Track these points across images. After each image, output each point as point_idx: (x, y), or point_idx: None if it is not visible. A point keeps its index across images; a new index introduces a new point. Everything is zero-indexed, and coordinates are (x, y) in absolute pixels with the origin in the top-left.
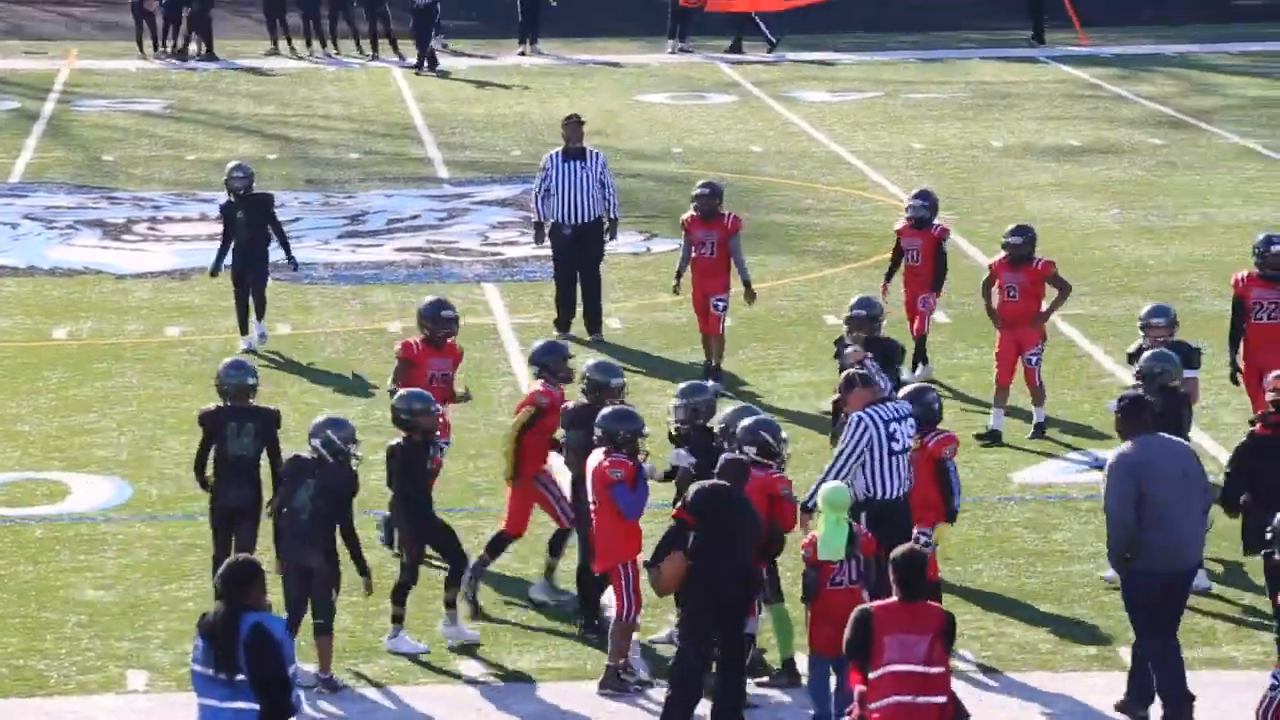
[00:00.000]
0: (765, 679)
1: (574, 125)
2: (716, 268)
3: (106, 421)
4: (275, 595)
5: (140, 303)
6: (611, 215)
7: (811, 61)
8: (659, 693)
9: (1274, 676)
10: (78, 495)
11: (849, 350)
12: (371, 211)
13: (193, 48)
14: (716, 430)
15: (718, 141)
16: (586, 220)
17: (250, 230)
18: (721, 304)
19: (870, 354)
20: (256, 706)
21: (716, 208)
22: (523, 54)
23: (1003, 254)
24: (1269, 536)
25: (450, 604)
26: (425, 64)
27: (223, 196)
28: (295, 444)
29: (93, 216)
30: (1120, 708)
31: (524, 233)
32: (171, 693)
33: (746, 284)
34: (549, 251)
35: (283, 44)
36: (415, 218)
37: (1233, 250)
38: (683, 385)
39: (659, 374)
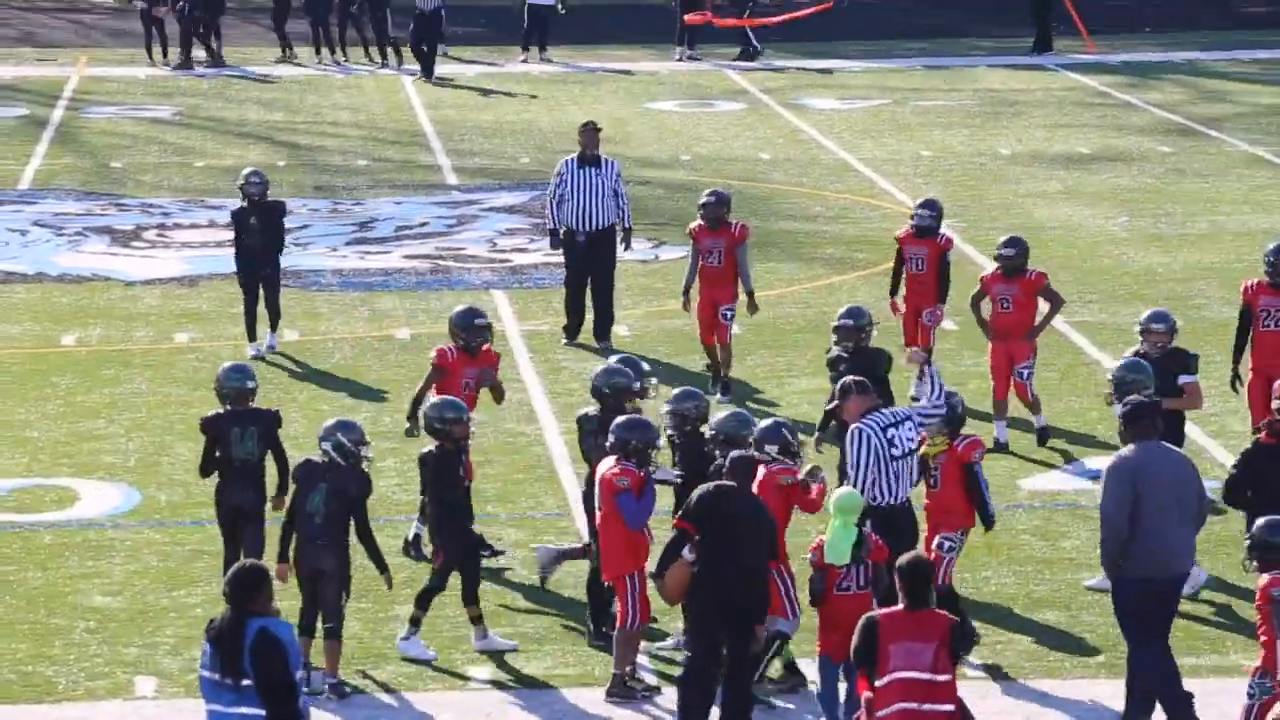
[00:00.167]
0: (777, 680)
1: (591, 132)
2: (724, 277)
3: (115, 428)
4: (288, 601)
5: (149, 309)
6: (625, 224)
7: (820, 69)
8: (666, 699)
9: (1250, 685)
10: (86, 501)
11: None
12: (380, 218)
13: (200, 54)
14: (708, 435)
15: (726, 149)
16: (600, 227)
17: (263, 237)
18: (730, 313)
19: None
20: (263, 712)
21: (724, 216)
22: (524, 61)
23: (996, 266)
24: (1246, 544)
25: (475, 620)
26: (423, 70)
27: (232, 202)
28: (305, 450)
29: (101, 223)
30: None
31: (533, 239)
32: (180, 699)
33: (750, 294)
34: (559, 258)
35: (303, 50)
36: (424, 224)
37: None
38: (675, 391)
39: (667, 381)
